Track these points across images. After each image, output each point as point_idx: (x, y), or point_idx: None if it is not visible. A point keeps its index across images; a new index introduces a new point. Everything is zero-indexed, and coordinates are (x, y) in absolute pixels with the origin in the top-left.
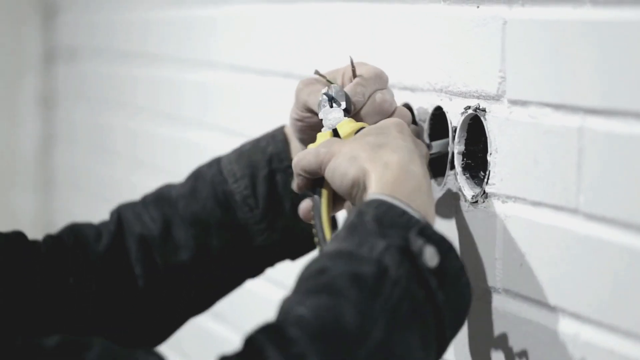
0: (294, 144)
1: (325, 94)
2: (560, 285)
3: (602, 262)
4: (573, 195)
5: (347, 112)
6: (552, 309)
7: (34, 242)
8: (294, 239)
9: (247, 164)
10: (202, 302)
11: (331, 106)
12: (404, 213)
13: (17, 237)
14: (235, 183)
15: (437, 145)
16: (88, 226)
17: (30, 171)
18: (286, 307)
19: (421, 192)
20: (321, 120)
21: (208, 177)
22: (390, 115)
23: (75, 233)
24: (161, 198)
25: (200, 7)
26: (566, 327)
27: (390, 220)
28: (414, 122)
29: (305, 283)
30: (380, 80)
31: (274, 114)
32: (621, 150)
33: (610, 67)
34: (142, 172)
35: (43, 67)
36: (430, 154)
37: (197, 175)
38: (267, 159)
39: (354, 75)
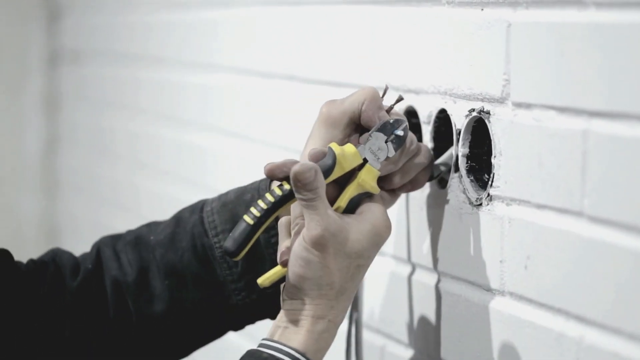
0: None
1: (391, 122)
2: (564, 287)
3: (606, 264)
4: (577, 198)
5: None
6: (557, 311)
7: (17, 264)
8: (273, 301)
9: (230, 217)
10: (178, 350)
11: (386, 142)
12: None
13: (3, 256)
14: (215, 237)
15: (441, 163)
16: (69, 257)
17: (34, 173)
18: None
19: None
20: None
21: (189, 225)
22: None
23: (57, 262)
24: (140, 241)
25: (202, 10)
26: (570, 329)
27: None
28: (419, 125)
29: None
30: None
31: (275, 116)
32: (625, 153)
33: (614, 70)
34: (145, 174)
35: (47, 70)
36: (437, 175)
37: (179, 221)
38: None
39: (389, 110)
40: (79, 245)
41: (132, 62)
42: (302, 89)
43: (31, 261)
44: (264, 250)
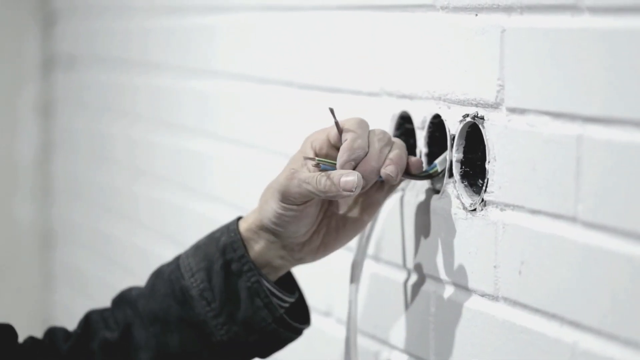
0: (247, 231)
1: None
2: (558, 293)
3: (600, 270)
4: (571, 204)
5: None
6: (551, 317)
7: (17, 341)
8: (253, 332)
9: (203, 257)
10: None
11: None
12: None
13: (7, 332)
14: (191, 278)
15: (438, 163)
16: (61, 329)
17: (29, 179)
18: None
19: None
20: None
21: (166, 274)
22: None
23: (50, 335)
24: (123, 300)
25: (200, 16)
26: (565, 335)
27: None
28: (413, 130)
29: None
30: (366, 127)
31: (274, 122)
32: (620, 158)
33: (608, 75)
34: (142, 180)
35: (42, 75)
36: (438, 173)
37: (157, 274)
38: (221, 249)
39: (339, 129)
40: (76, 252)
41: (129, 68)
42: (300, 95)
43: (30, 338)
44: (237, 280)
